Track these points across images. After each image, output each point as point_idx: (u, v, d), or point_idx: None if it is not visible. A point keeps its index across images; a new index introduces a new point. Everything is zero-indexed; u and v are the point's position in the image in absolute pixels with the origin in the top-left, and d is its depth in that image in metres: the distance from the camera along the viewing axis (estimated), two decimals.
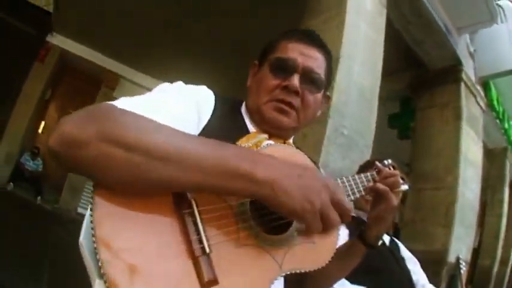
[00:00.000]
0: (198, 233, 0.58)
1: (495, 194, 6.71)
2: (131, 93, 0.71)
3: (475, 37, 4.71)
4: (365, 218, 1.02)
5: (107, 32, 6.06)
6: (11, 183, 6.70)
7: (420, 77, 4.53)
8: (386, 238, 1.80)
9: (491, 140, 6.16)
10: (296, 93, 0.84)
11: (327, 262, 0.74)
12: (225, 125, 0.77)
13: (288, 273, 0.67)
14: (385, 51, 2.87)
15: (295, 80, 0.83)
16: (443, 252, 3.63)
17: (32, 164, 7.27)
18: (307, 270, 0.70)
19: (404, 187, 1.01)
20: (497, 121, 5.58)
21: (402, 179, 0.98)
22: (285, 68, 0.85)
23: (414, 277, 1.71)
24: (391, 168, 0.97)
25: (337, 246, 0.78)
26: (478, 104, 4.61)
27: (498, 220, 6.57)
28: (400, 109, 5.05)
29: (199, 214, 0.59)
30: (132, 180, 0.52)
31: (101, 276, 0.49)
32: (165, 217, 0.57)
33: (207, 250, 0.57)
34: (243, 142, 0.80)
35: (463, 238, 3.87)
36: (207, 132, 0.74)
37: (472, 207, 4.11)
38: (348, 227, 1.45)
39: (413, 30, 3.87)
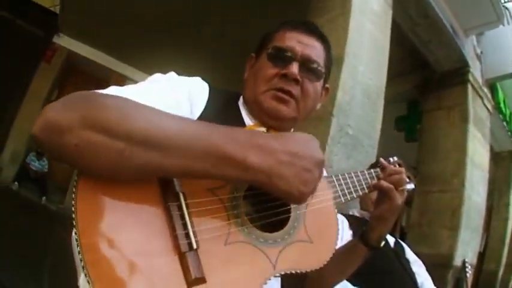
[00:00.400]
0: (185, 227, 0.54)
1: (501, 198, 6.60)
2: None
3: (481, 39, 4.66)
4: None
5: (113, 33, 6.07)
6: (16, 183, 6.73)
7: (427, 78, 4.48)
8: (391, 240, 1.78)
9: (498, 143, 6.09)
10: (296, 81, 0.81)
11: (326, 263, 0.70)
12: (219, 117, 0.74)
13: (283, 273, 0.63)
14: (391, 53, 2.83)
15: (294, 68, 0.80)
16: (449, 255, 3.57)
17: (37, 164, 7.29)
18: (304, 271, 0.66)
19: (410, 186, 0.97)
20: (504, 123, 5.50)
21: (408, 177, 0.94)
22: (283, 57, 0.82)
23: (419, 280, 1.69)
24: (397, 166, 0.94)
25: (337, 247, 0.75)
26: (485, 106, 4.54)
27: (504, 224, 6.46)
28: (407, 111, 5.01)
29: (187, 207, 0.56)
30: (115, 167, 0.50)
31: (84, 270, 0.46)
32: (152, 209, 0.54)
33: (194, 246, 0.53)
34: None
35: (469, 242, 3.81)
36: None
37: (478, 211, 4.05)
38: (352, 228, 1.40)
39: (420, 32, 3.82)
